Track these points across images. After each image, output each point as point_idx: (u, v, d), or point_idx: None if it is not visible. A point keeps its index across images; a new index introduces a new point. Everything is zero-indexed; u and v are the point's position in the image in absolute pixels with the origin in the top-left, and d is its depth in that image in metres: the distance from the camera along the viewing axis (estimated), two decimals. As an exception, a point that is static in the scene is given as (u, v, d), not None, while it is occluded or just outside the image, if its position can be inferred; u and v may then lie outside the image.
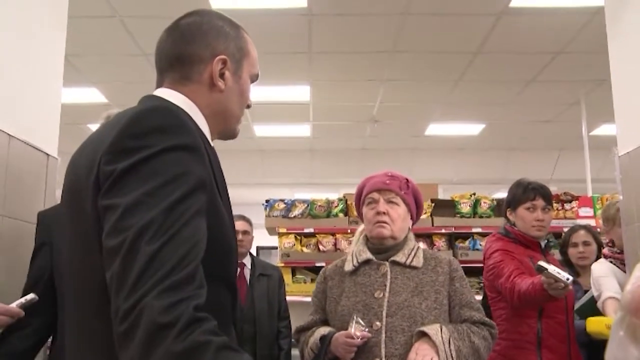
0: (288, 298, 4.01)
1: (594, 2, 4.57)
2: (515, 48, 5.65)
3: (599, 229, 3.75)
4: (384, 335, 1.95)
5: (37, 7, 2.45)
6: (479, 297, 2.89)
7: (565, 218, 4.98)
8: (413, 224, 2.22)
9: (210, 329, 0.89)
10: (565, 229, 3.69)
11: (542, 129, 8.34)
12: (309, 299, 2.41)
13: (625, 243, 2.77)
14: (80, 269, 1.07)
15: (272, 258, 8.30)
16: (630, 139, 2.73)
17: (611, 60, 2.94)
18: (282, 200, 5.07)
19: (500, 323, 2.61)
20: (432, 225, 4.84)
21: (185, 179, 0.98)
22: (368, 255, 2.11)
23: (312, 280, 4.66)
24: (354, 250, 2.19)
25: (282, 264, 4.73)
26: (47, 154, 2.45)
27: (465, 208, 5.06)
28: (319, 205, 5.02)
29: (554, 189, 7.02)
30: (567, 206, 5.12)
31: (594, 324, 2.70)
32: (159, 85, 1.24)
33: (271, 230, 5.15)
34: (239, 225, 3.67)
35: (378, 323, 1.96)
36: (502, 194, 2.89)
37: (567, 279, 2.17)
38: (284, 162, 9.46)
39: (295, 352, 2.74)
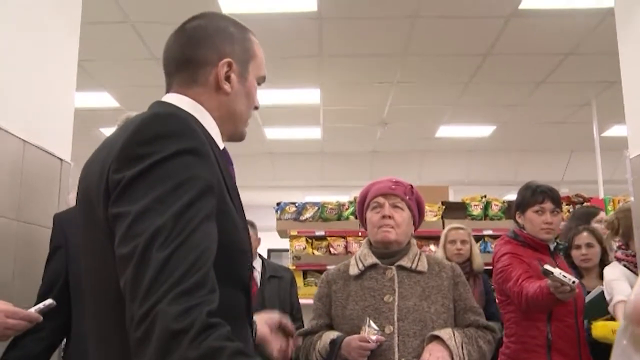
0: (299, 301, 4.01)
1: (604, 4, 4.55)
2: (525, 50, 5.63)
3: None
4: (396, 339, 1.96)
5: (51, 14, 2.48)
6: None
7: (577, 220, 4.95)
8: (415, 230, 2.24)
9: (224, 334, 0.89)
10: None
11: (553, 131, 8.30)
12: (320, 302, 2.41)
13: (637, 246, 2.76)
14: (96, 275, 1.08)
15: (283, 261, 8.32)
16: (641, 141, 2.72)
17: (621, 62, 2.93)
18: (293, 204, 5.09)
19: (509, 326, 2.62)
20: (443, 227, 4.83)
21: (193, 183, 0.98)
22: (374, 259, 2.12)
23: (324, 283, 4.67)
24: (358, 254, 2.20)
25: (294, 267, 4.74)
26: (60, 159, 2.48)
27: (476, 210, 5.06)
28: (330, 208, 5.03)
29: (565, 191, 7.02)
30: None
31: (600, 329, 2.70)
32: (169, 88, 1.25)
33: (282, 233, 5.17)
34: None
35: (390, 327, 1.98)
36: (513, 196, 2.88)
37: (573, 282, 2.17)
38: (294, 165, 9.47)
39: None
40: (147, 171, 0.97)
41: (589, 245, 3.35)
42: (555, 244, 2.70)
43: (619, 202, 4.77)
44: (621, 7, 2.98)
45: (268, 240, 4.18)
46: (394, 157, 9.23)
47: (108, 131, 7.73)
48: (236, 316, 1.11)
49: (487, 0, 4.71)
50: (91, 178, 1.08)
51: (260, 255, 3.85)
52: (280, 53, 5.55)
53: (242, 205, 1.21)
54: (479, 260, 3.89)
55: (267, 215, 5.43)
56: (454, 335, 1.95)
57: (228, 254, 1.05)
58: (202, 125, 1.16)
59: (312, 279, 4.86)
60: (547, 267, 2.21)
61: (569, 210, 5.08)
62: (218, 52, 1.22)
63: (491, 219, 5.02)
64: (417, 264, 2.11)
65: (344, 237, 4.95)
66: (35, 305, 1.80)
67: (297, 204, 5.08)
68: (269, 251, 10.58)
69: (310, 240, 4.96)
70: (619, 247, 3.06)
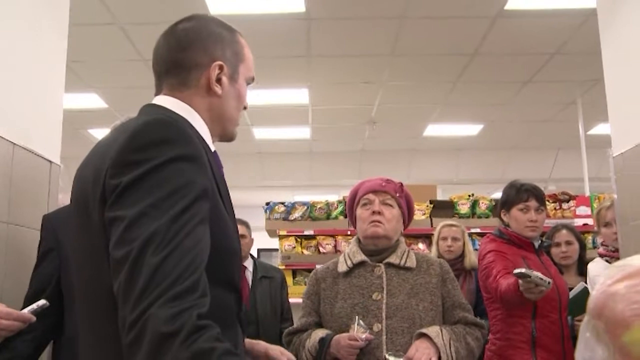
0: (289, 300, 4.03)
1: (588, 4, 4.60)
2: (511, 50, 5.68)
3: (595, 228, 3.78)
4: (384, 337, 1.97)
5: (39, 16, 2.47)
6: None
7: (563, 217, 5.01)
8: (404, 229, 2.25)
9: (213, 335, 0.91)
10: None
11: (540, 129, 8.37)
12: (309, 301, 2.43)
13: (620, 242, 2.81)
14: (90, 278, 1.10)
15: (273, 260, 8.33)
16: (624, 139, 2.75)
17: (604, 63, 2.96)
18: (282, 203, 5.11)
19: (495, 323, 2.65)
20: (431, 226, 4.86)
21: (188, 189, 1.01)
22: (362, 257, 2.13)
23: (313, 282, 4.69)
24: (347, 251, 2.21)
25: (283, 266, 4.76)
26: (50, 161, 2.48)
27: (464, 209, 5.10)
28: (319, 208, 5.06)
29: (552, 188, 7.07)
30: (564, 205, 5.16)
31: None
32: (158, 90, 1.26)
33: (272, 233, 5.19)
34: (236, 229, 3.68)
35: (378, 325, 1.99)
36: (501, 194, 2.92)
37: (548, 283, 2.22)
38: (283, 164, 9.48)
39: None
40: (143, 177, 0.99)
41: (568, 243, 3.40)
42: (540, 241, 2.74)
43: (603, 199, 4.82)
44: (603, 8, 3.02)
45: (257, 239, 4.19)
46: (383, 156, 9.26)
47: (97, 132, 7.70)
48: (226, 317, 1.13)
49: (473, 1, 4.75)
50: (85, 183, 1.09)
51: (251, 255, 3.86)
52: (268, 53, 5.56)
53: (232, 207, 1.22)
54: (473, 258, 3.84)
55: (256, 214, 5.44)
56: (441, 332, 1.96)
57: (219, 257, 1.07)
58: (195, 128, 1.18)
59: (302, 278, 4.88)
60: (522, 270, 2.23)
61: (555, 208, 5.15)
62: (209, 55, 1.24)
63: (479, 217, 5.06)
64: (406, 261, 2.11)
65: (333, 237, 4.97)
66: (27, 306, 1.80)
67: (286, 204, 5.10)
68: (259, 250, 10.59)
69: (299, 240, 4.98)
70: (602, 244, 3.11)
